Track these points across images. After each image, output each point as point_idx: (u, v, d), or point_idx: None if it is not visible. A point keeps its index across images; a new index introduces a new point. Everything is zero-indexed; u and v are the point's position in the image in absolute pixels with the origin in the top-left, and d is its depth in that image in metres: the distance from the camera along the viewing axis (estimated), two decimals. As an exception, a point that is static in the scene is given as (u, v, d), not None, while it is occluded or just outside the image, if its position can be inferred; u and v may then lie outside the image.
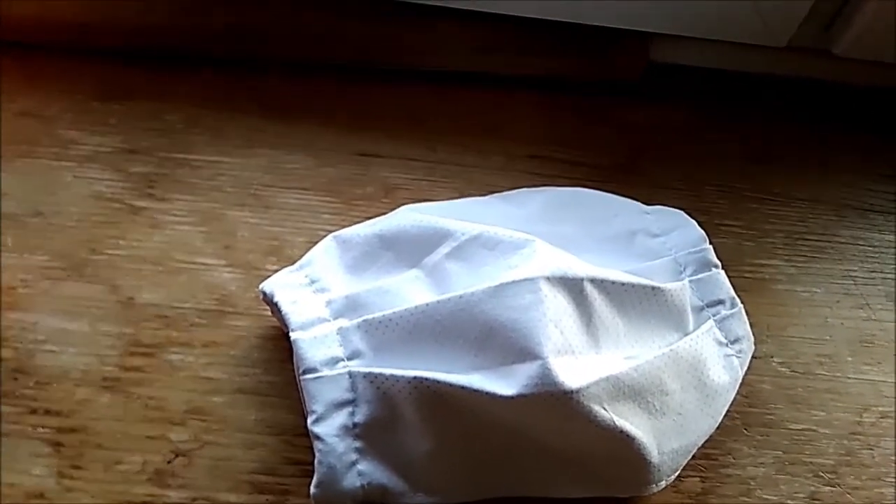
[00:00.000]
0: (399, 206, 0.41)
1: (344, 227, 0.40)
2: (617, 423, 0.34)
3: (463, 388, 0.34)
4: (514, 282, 0.35)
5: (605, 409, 0.34)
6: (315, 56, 0.50)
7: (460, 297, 0.35)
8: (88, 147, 0.45)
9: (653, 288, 0.37)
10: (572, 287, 0.35)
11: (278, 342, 0.39)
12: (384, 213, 0.40)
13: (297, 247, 0.43)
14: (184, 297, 0.40)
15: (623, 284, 0.37)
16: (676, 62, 0.53)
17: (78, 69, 0.48)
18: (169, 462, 0.36)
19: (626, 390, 0.35)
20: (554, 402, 0.33)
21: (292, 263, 0.39)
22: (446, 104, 0.50)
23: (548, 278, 0.35)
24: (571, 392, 0.33)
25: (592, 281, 0.36)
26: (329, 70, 0.50)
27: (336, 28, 0.49)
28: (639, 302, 0.37)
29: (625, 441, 0.34)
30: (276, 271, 0.39)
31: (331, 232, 0.40)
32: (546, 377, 0.33)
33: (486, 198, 0.44)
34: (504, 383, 0.33)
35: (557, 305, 0.35)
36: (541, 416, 0.33)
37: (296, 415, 0.37)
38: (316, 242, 0.39)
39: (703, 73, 0.53)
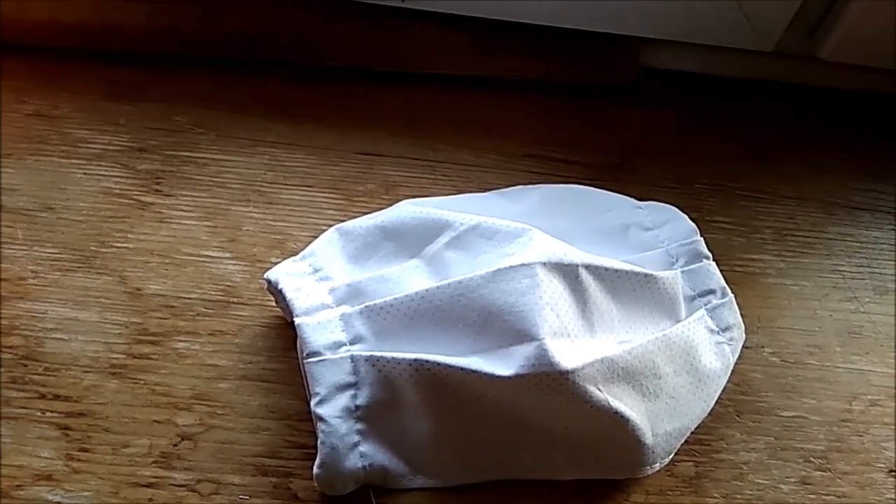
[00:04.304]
0: (399, 202, 0.42)
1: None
2: (611, 403, 0.35)
3: (462, 369, 0.35)
4: (511, 267, 0.36)
5: (599, 389, 0.35)
6: (317, 60, 0.51)
7: (459, 282, 0.36)
8: (98, 145, 0.46)
9: (646, 275, 0.39)
10: (568, 273, 0.37)
11: (282, 331, 0.40)
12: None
13: (301, 241, 0.44)
14: (190, 287, 0.41)
15: (617, 271, 0.38)
16: (667, 67, 0.54)
17: (88, 71, 0.49)
18: (175, 445, 0.36)
19: (621, 372, 0.36)
20: (550, 381, 0.34)
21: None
22: (445, 106, 0.51)
23: (544, 264, 0.36)
24: (567, 372, 0.34)
25: (587, 267, 0.37)
26: (331, 73, 0.51)
27: (338, 33, 0.51)
28: (632, 288, 0.38)
29: (619, 422, 0.35)
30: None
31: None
32: (542, 357, 0.34)
33: (484, 194, 0.45)
34: (502, 364, 0.34)
35: (553, 290, 0.36)
36: (537, 397, 0.34)
37: (299, 400, 0.38)
38: (319, 237, 0.41)
39: (694, 77, 0.55)
